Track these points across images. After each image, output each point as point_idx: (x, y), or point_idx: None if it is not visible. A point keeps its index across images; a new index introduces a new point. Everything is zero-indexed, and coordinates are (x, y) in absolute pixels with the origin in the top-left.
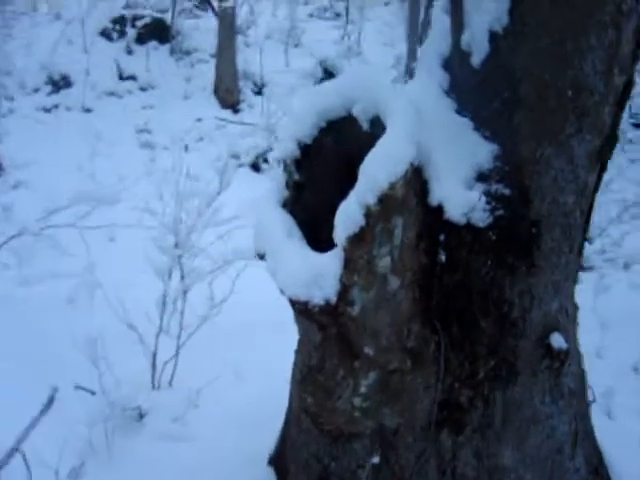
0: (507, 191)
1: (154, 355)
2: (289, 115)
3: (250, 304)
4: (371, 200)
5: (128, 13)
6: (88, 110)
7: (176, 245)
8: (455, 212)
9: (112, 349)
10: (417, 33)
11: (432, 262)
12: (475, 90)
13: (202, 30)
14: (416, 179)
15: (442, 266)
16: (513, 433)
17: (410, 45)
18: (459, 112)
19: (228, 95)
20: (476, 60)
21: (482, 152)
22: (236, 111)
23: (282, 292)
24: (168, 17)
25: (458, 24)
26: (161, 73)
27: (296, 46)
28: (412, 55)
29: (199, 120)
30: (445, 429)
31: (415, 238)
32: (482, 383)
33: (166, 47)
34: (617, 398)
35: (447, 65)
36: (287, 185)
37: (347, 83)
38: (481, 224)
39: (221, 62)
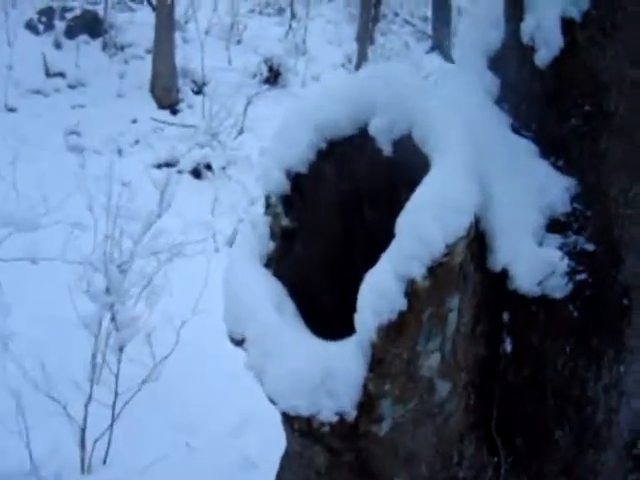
0: (590, 246)
1: (83, 431)
2: (275, 131)
3: (200, 353)
4: (418, 271)
5: (57, 4)
6: (12, 109)
7: (107, 290)
8: (526, 280)
9: (29, 423)
10: (368, 31)
11: (493, 354)
12: (541, 100)
13: (137, 24)
14: (474, 234)
15: (507, 359)
16: None
17: (360, 44)
18: (517, 130)
19: (166, 94)
20: (543, 59)
21: (554, 189)
22: (174, 112)
23: (273, 402)
24: (100, 9)
25: (516, 7)
26: (92, 70)
27: (238, 43)
28: (363, 54)
29: (134, 121)
30: None
31: (472, 321)
32: None
33: (98, 42)
34: None
35: (496, 64)
36: (272, 234)
37: (362, 86)
38: (558, 294)
39: (158, 58)
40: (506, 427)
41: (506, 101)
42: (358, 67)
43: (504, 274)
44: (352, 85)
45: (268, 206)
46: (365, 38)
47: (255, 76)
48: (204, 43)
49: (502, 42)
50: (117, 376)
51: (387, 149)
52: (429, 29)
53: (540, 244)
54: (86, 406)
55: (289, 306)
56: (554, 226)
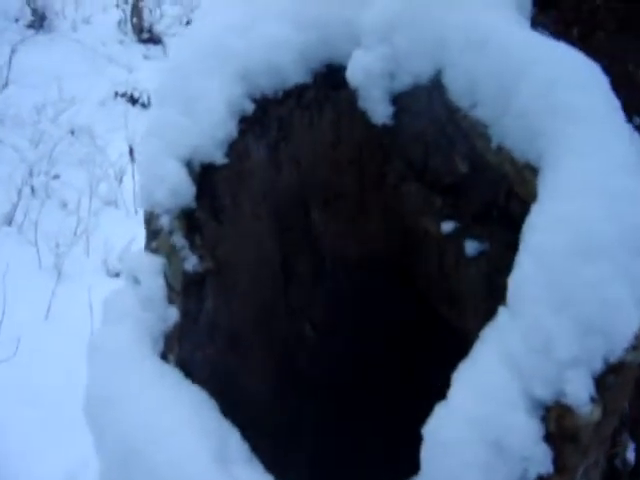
0: None
1: None
2: (162, 83)
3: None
4: (579, 389)
5: None
6: None
7: None
8: None
9: None
10: None
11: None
12: None
13: None
14: None
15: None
16: None
17: None
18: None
19: None
20: None
21: None
22: None
23: None
24: None
25: None
26: None
27: None
28: None
29: None
30: None
31: None
32: None
33: None
34: None
35: None
36: (169, 289)
37: None
38: None
39: None
40: None
41: None
42: (134, 8)
43: None
44: None
45: (155, 235)
46: None
47: (17, 20)
48: None
49: None
50: None
51: (380, 108)
52: None
53: None
54: None
55: (234, 442)
56: None
